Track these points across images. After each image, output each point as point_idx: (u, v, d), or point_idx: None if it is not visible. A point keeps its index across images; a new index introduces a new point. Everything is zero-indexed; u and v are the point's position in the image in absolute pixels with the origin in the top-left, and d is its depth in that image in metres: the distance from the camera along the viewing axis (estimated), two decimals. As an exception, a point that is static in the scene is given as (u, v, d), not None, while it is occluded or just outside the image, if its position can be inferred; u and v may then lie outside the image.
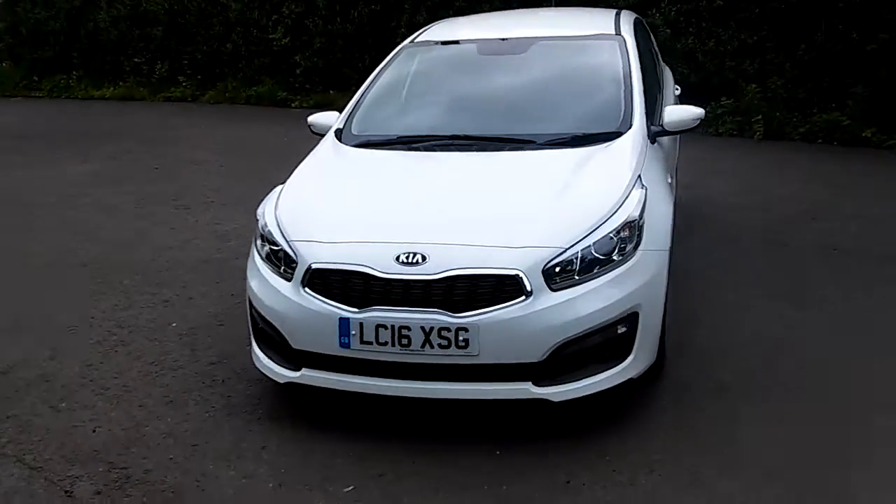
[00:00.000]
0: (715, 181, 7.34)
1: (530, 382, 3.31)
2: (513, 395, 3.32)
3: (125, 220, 7.09)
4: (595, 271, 3.36)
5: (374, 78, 4.87)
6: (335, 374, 3.46)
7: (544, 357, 3.27)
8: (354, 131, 4.45)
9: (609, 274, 3.37)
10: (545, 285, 3.26)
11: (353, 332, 3.32)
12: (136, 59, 16.90)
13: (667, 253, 3.59)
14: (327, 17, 12.53)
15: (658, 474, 3.19)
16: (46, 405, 4.00)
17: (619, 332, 3.41)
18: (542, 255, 3.29)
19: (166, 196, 7.75)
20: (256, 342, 3.75)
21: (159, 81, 16.09)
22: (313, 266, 3.44)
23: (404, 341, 3.27)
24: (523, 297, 3.24)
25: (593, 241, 3.38)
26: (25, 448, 3.62)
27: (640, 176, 3.72)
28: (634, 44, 4.65)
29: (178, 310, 5.05)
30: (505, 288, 3.24)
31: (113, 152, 10.35)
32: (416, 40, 5.13)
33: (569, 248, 3.32)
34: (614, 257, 3.41)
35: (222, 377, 4.15)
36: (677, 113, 4.28)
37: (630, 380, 3.47)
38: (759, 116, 8.91)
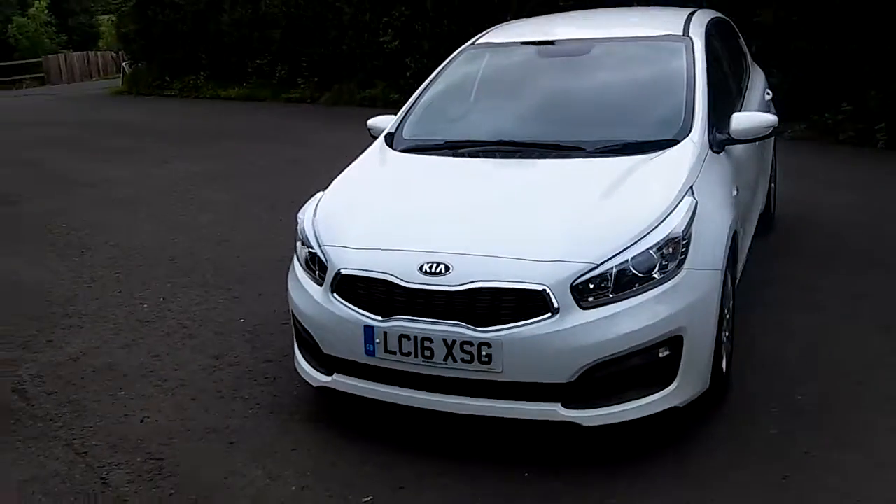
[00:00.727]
0: (827, 193, 6.92)
1: (559, 404, 3.15)
2: (540, 416, 3.17)
3: (220, 217, 7.34)
4: (633, 289, 3.16)
5: (431, 81, 4.78)
6: (363, 381, 3.41)
7: (574, 378, 3.10)
8: (405, 135, 4.37)
9: (648, 293, 3.16)
10: (574, 302, 3.09)
11: (378, 341, 3.26)
12: (258, 61, 17.44)
13: (719, 273, 3.35)
14: (434, 19, 12.57)
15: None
16: (106, 393, 4.11)
17: (661, 355, 3.19)
18: (571, 271, 3.11)
19: (263, 195, 7.98)
20: (297, 345, 3.74)
21: (280, 83, 16.55)
22: (342, 272, 3.39)
23: (427, 353, 3.17)
24: (549, 315, 3.08)
25: (630, 256, 3.18)
26: (76, 433, 3.73)
27: (692, 188, 3.47)
28: (704, 46, 4.38)
29: (248, 306, 5.13)
30: (530, 304, 3.09)
31: (225, 151, 10.73)
32: (476, 42, 5.00)
33: (601, 263, 3.13)
34: (655, 275, 3.19)
35: (273, 375, 4.16)
36: (746, 120, 4.00)
37: (674, 408, 3.22)
38: (883, 124, 8.32)
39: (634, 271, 3.18)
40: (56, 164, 10.76)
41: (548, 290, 3.08)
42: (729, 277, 3.66)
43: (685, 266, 3.25)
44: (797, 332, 4.35)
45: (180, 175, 9.42)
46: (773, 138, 5.77)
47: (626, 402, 3.18)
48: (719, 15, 5.64)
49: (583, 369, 3.09)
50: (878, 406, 3.58)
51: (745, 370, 3.90)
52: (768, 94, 5.69)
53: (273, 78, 16.84)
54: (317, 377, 3.56)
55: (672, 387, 3.22)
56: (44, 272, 6.07)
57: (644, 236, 3.22)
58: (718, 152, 3.97)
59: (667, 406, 3.22)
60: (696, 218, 3.38)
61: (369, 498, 3.15)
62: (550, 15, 6.25)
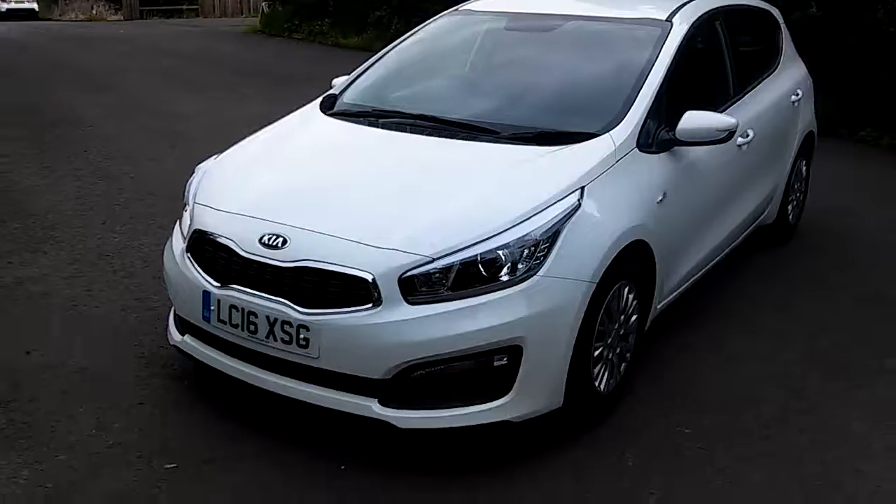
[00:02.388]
0: (873, 207, 6.24)
1: (376, 400, 2.93)
2: (354, 410, 2.96)
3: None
4: (473, 289, 2.89)
5: (397, 44, 4.55)
6: (205, 346, 3.29)
7: (390, 375, 2.87)
8: (345, 99, 4.18)
9: (489, 295, 2.89)
10: (401, 295, 2.85)
11: (213, 308, 3.14)
12: (377, 13, 17.49)
13: (586, 284, 3.01)
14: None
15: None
16: (23, 319, 4.16)
17: (496, 364, 2.91)
18: (402, 262, 2.87)
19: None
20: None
21: (395, 36, 16.45)
22: (196, 231, 3.27)
23: (252, 328, 3.03)
24: (370, 305, 2.86)
25: (475, 253, 2.90)
26: None
27: (582, 189, 3.13)
28: (684, 34, 3.96)
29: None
30: (354, 291, 2.87)
31: (307, 97, 10.74)
32: (459, 8, 4.71)
33: (438, 258, 2.87)
34: (502, 277, 2.90)
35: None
36: (696, 120, 3.59)
37: (507, 422, 2.96)
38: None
39: (480, 270, 2.89)
40: (142, 93, 11.11)
41: (372, 279, 2.85)
42: (627, 290, 3.33)
43: (540, 272, 2.94)
44: (731, 360, 3.92)
45: (250, 116, 9.49)
46: (807, 142, 5.30)
47: (450, 408, 2.94)
48: (749, 4, 5.11)
49: (400, 367, 2.86)
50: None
51: (644, 396, 3.55)
52: (796, 94, 5.14)
53: (388, 30, 16.83)
54: (173, 335, 3.49)
55: (506, 399, 2.95)
56: (54, 195, 6.23)
57: (495, 234, 2.94)
58: (657, 152, 3.59)
59: (497, 418, 2.96)
60: (575, 222, 3.06)
61: (174, 465, 3.04)
62: None
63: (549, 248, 2.98)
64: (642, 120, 3.54)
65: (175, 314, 3.51)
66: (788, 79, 5.20)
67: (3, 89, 11.22)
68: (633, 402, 3.53)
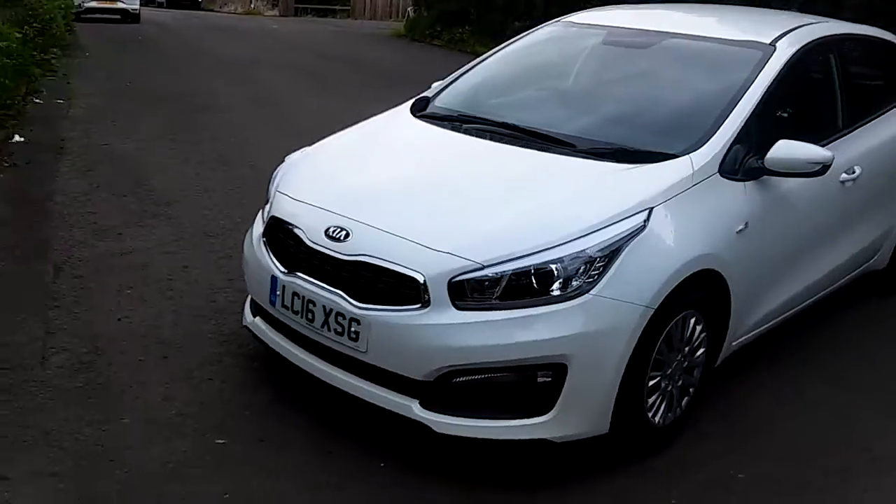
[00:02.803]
0: None
1: (417, 402, 2.96)
2: (395, 409, 3.00)
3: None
4: (522, 300, 2.88)
5: (496, 51, 4.57)
6: (272, 329, 3.40)
7: (432, 378, 2.89)
8: (437, 102, 4.22)
9: (538, 308, 2.87)
10: (449, 299, 2.87)
11: (278, 293, 3.25)
12: (516, 23, 17.56)
13: (643, 308, 2.94)
14: None
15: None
16: (115, 289, 4.41)
17: (540, 380, 2.89)
18: (453, 266, 2.89)
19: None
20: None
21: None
22: (273, 217, 3.39)
23: (310, 315, 3.12)
24: (419, 306, 2.89)
25: (527, 264, 2.89)
26: (60, 313, 4.07)
27: (651, 209, 3.07)
28: (787, 60, 3.80)
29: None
30: (404, 290, 2.91)
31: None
32: (561, 20, 4.69)
33: (489, 265, 2.88)
34: (554, 291, 2.88)
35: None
36: (787, 150, 3.45)
37: (546, 441, 2.93)
38: None
39: (532, 282, 2.88)
40: (279, 87, 11.59)
41: (423, 280, 2.88)
42: (694, 321, 3.25)
43: (594, 291, 2.90)
44: (806, 409, 3.76)
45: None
46: None
47: (489, 419, 2.94)
48: (873, 35, 4.87)
49: (442, 370, 2.88)
50: None
51: (706, 433, 3.46)
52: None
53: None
54: (247, 316, 3.62)
55: (547, 417, 2.92)
56: (176, 175, 6.60)
57: (550, 248, 2.91)
58: (743, 180, 3.47)
59: (536, 436, 2.94)
60: (638, 244, 3.00)
61: (224, 441, 3.16)
62: (660, 3, 5.63)
63: (606, 267, 2.92)
64: (728, 145, 3.43)
65: (251, 298, 3.64)
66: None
67: (154, 74, 11.93)
68: (694, 437, 3.41)
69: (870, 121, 4.52)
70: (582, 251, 2.91)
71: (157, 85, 11.10)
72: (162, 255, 4.94)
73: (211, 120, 8.84)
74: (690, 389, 3.39)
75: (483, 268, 2.88)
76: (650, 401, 3.16)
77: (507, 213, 3.14)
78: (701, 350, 3.38)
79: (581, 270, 2.91)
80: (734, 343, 3.66)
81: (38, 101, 9.25)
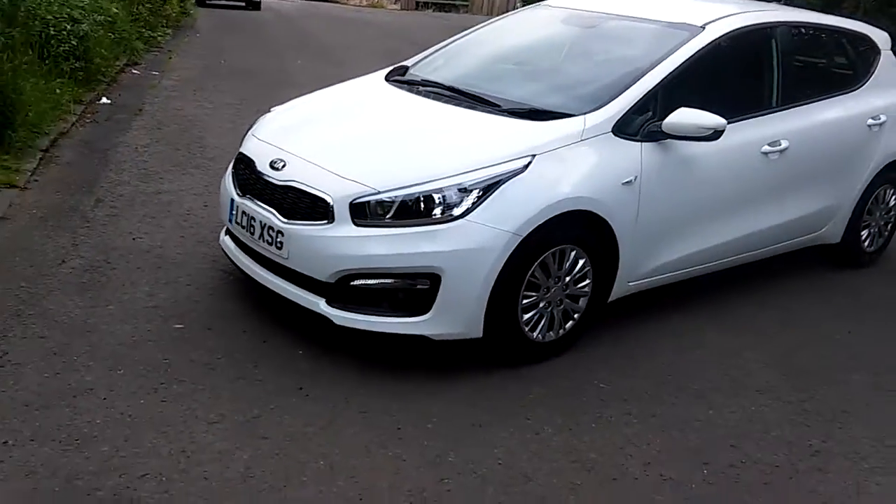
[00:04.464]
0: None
1: (324, 300, 3.65)
2: (308, 305, 3.69)
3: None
4: (408, 220, 3.53)
5: (475, 29, 5.20)
6: (233, 245, 4.16)
7: (334, 280, 3.58)
8: (411, 71, 4.88)
9: (419, 227, 3.51)
10: (350, 217, 3.55)
11: (233, 212, 4.00)
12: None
13: (512, 236, 3.51)
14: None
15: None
16: (137, 212, 5.28)
17: (420, 287, 3.53)
18: (355, 191, 3.56)
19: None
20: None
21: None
22: (239, 152, 4.16)
23: (251, 229, 3.86)
24: (326, 221, 3.58)
25: (415, 192, 3.52)
26: (86, 231, 4.95)
27: (533, 156, 3.66)
28: (711, 41, 4.28)
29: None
30: (318, 208, 3.61)
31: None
32: (542, 3, 5.29)
33: (385, 191, 3.54)
34: (435, 214, 3.52)
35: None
36: (683, 116, 3.94)
37: (424, 337, 3.58)
38: None
39: (419, 207, 3.53)
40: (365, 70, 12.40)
41: (330, 201, 3.58)
42: (574, 254, 3.82)
43: (469, 217, 3.51)
44: (697, 348, 4.28)
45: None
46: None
47: (378, 315, 3.59)
48: (836, 25, 5.24)
49: (340, 274, 3.56)
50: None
51: (588, 354, 4.02)
52: (876, 119, 5.19)
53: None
54: (221, 236, 4.39)
55: (425, 317, 3.55)
56: (229, 137, 7.34)
57: (435, 180, 3.55)
58: (641, 140, 3.98)
59: (416, 332, 3.58)
60: (516, 182, 3.60)
61: (181, 326, 3.94)
62: None
63: (482, 199, 3.53)
64: (625, 109, 3.95)
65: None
66: (870, 103, 5.23)
67: (251, 54, 13.00)
68: (573, 355, 3.97)
69: (811, 102, 4.89)
70: (461, 184, 3.53)
71: (249, 63, 12.14)
72: (190, 196, 5.78)
73: (282, 93, 9.56)
74: (575, 315, 3.94)
75: (378, 193, 3.54)
76: (526, 317, 3.73)
77: (411, 152, 3.80)
78: (586, 282, 3.92)
79: (458, 200, 3.52)
80: (631, 283, 4.17)
81: (135, 71, 10.40)
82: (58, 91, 7.48)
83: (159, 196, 5.73)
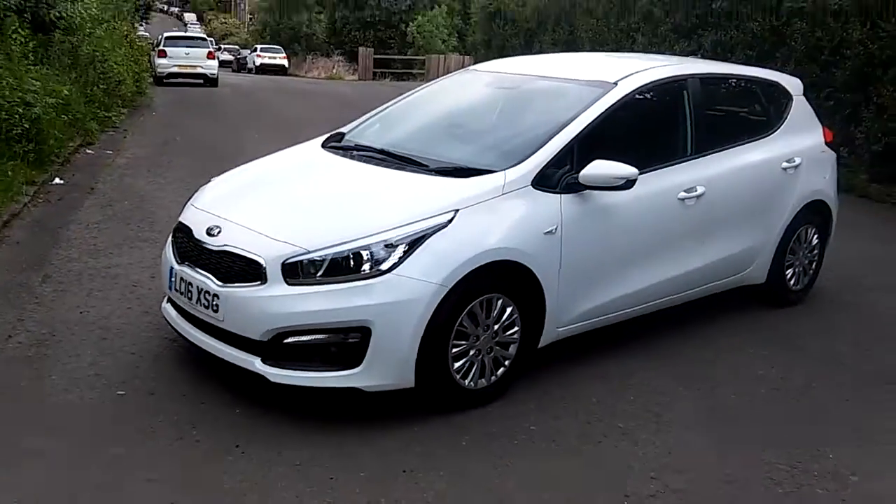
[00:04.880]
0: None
1: (259, 358, 3.79)
2: (243, 364, 3.83)
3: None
4: (338, 277, 3.70)
5: (408, 95, 5.47)
6: (174, 311, 4.30)
7: (267, 339, 3.73)
8: (347, 137, 5.12)
9: (349, 283, 3.68)
10: (281, 277, 3.71)
11: (173, 279, 4.16)
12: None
13: (436, 286, 3.69)
14: None
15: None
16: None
17: (351, 340, 3.69)
18: (286, 251, 3.74)
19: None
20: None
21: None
22: (178, 221, 4.33)
23: (189, 295, 4.01)
24: (259, 282, 3.75)
25: (344, 249, 3.71)
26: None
27: (456, 211, 3.86)
28: (623, 96, 4.55)
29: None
30: (252, 271, 3.78)
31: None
32: (469, 68, 5.58)
33: (315, 251, 3.72)
34: (364, 269, 3.69)
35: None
36: (597, 168, 4.18)
37: (358, 389, 3.73)
38: None
39: (349, 263, 3.71)
40: (306, 137, 12.68)
41: (263, 263, 3.75)
42: (501, 302, 4.01)
43: (396, 271, 3.70)
44: (625, 389, 4.45)
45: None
46: (812, 210, 5.71)
47: (312, 371, 3.74)
48: (748, 74, 5.58)
49: (273, 332, 3.71)
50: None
51: (520, 399, 4.18)
52: (790, 162, 5.49)
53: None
54: (163, 304, 4.53)
55: (357, 370, 3.70)
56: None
57: (363, 237, 3.74)
58: (560, 192, 4.21)
59: (349, 384, 3.73)
60: (442, 236, 3.80)
61: (123, 393, 4.06)
62: (544, 55, 6.45)
63: (409, 253, 3.72)
64: (543, 163, 4.19)
65: (168, 290, 4.56)
66: (784, 147, 5.52)
67: (205, 130, 13.26)
68: (506, 401, 4.12)
69: (726, 149, 5.18)
70: (387, 240, 3.73)
71: (204, 138, 12.40)
72: (138, 269, 5.92)
73: (235, 166, 9.92)
74: (506, 362, 4.11)
75: (309, 252, 3.73)
76: (457, 365, 3.90)
77: (341, 212, 4.01)
78: (514, 329, 4.10)
79: (385, 256, 3.70)
80: (560, 329, 4.36)
81: (89, 151, 10.57)
82: (10, 174, 7.61)
83: (108, 270, 5.86)
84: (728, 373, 4.69)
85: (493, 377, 4.07)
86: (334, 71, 39.68)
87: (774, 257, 5.56)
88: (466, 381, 3.96)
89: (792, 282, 5.79)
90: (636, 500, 3.41)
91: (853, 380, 4.71)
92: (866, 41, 10.28)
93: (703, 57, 12.76)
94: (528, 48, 19.89)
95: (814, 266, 5.96)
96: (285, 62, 40.50)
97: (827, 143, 5.92)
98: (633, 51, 14.88)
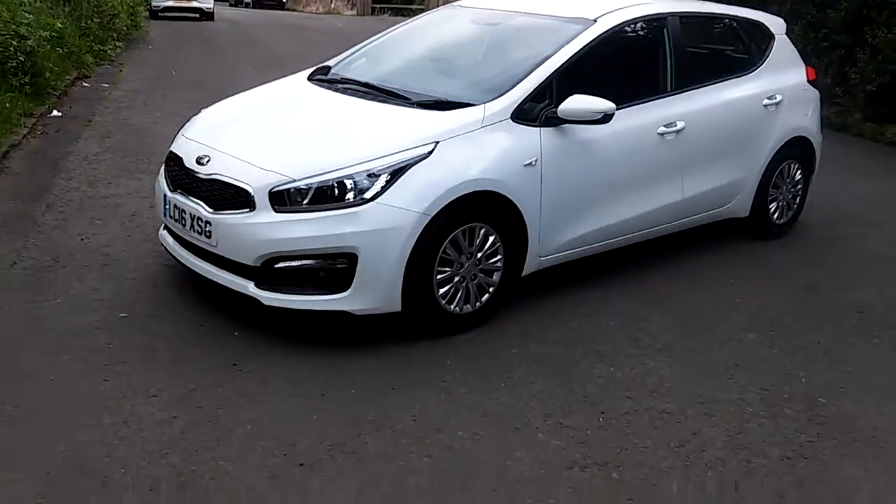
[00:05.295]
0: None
1: (252, 283, 3.97)
2: (237, 288, 4.00)
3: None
4: (324, 205, 3.85)
5: (394, 29, 5.55)
6: (170, 237, 4.47)
7: (259, 263, 3.89)
8: (333, 69, 5.22)
9: (335, 211, 3.83)
10: (269, 204, 3.87)
11: (167, 206, 4.31)
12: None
13: (420, 216, 3.84)
14: None
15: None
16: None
17: (339, 266, 3.87)
18: (273, 180, 3.88)
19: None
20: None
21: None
22: (170, 151, 4.47)
23: (183, 221, 4.17)
24: (248, 210, 3.90)
25: (328, 178, 3.85)
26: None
27: (437, 143, 4.00)
28: (603, 32, 4.64)
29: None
30: (241, 198, 3.93)
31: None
32: (453, 4, 5.65)
33: (300, 179, 3.86)
34: (348, 198, 3.85)
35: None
36: (576, 102, 4.30)
37: (346, 313, 3.91)
38: None
39: (333, 192, 3.86)
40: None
41: (251, 191, 3.90)
42: (484, 231, 4.17)
43: (379, 200, 3.85)
44: (603, 315, 4.64)
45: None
46: (795, 146, 5.83)
47: (303, 294, 3.91)
48: (727, 13, 5.66)
49: (264, 257, 3.88)
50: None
51: (504, 326, 4.37)
52: (772, 98, 5.60)
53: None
54: (159, 231, 4.70)
55: (345, 294, 3.88)
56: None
57: (346, 167, 3.88)
58: (539, 126, 4.34)
59: (338, 308, 3.90)
60: (423, 166, 3.94)
61: (125, 315, 4.25)
62: None
63: (391, 183, 3.87)
64: (523, 97, 4.31)
65: (165, 217, 4.72)
66: (765, 84, 5.63)
67: (201, 64, 13.27)
68: (490, 326, 4.31)
69: (706, 85, 5.30)
70: (370, 170, 3.87)
71: (199, 73, 12.42)
72: (137, 199, 6.07)
73: (228, 100, 10.01)
74: (490, 289, 4.29)
75: (295, 181, 3.87)
76: (442, 291, 4.07)
77: (325, 143, 4.14)
78: (497, 258, 4.27)
79: (368, 185, 3.86)
80: (542, 258, 4.53)
81: (86, 84, 10.64)
82: (7, 105, 7.71)
83: (107, 200, 6.02)
84: (707, 301, 4.87)
85: (477, 303, 4.25)
86: (332, 6, 39.22)
87: (757, 191, 5.71)
88: (452, 307, 4.14)
89: (776, 215, 5.96)
90: (611, 416, 3.61)
91: (827, 308, 4.90)
92: (862, -18, 10.28)
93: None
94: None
95: (798, 201, 6.12)
96: (282, -4, 39.99)
97: (810, 81, 6.01)
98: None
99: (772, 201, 5.88)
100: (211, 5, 24.32)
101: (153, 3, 22.99)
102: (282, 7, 39.17)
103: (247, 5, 40.15)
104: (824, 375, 4.08)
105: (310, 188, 3.85)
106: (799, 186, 6.09)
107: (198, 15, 24.13)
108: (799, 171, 6.03)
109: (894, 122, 10.16)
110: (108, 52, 12.76)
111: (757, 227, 5.88)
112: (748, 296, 4.99)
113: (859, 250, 5.94)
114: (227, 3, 41.41)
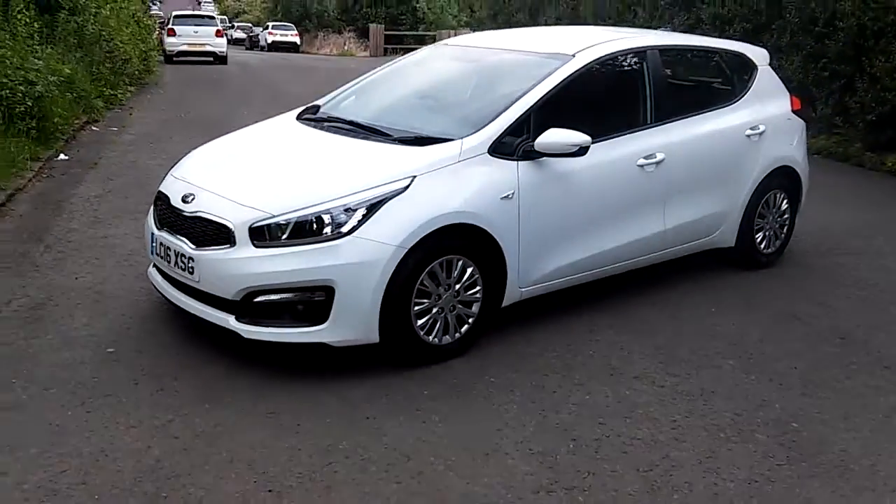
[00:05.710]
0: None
1: (233, 316, 4.08)
2: (219, 322, 4.11)
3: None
4: (302, 240, 3.96)
5: (382, 68, 5.71)
6: (157, 274, 4.59)
7: (239, 298, 4.00)
8: (322, 110, 5.37)
9: (312, 245, 3.94)
10: (249, 240, 3.99)
11: (154, 244, 4.44)
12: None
13: (396, 248, 3.93)
14: None
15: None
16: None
17: (317, 298, 3.97)
18: (253, 216, 4.00)
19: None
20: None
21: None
22: (159, 190, 4.61)
23: (168, 258, 4.29)
24: (229, 245, 4.02)
25: (306, 213, 3.97)
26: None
27: (414, 177, 4.11)
28: (580, 67, 4.75)
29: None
30: (222, 234, 4.05)
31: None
32: (441, 43, 5.82)
33: (279, 215, 3.98)
34: (326, 232, 3.96)
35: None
36: (552, 136, 4.41)
37: (325, 344, 4.00)
38: None
39: (311, 226, 3.98)
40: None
41: (232, 227, 4.03)
42: (461, 263, 4.25)
43: (356, 234, 3.96)
44: (592, 343, 4.70)
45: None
46: (780, 176, 5.89)
47: (282, 327, 4.02)
48: (710, 45, 5.77)
49: (244, 291, 3.99)
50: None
51: (477, 355, 4.44)
52: (754, 129, 5.69)
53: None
54: (149, 269, 4.83)
55: (323, 326, 3.97)
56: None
57: (324, 202, 4.00)
58: (516, 160, 4.44)
59: (317, 339, 3.99)
60: (400, 200, 4.05)
61: (112, 350, 4.36)
62: (512, 29, 6.71)
63: (368, 217, 3.98)
64: (500, 132, 4.42)
65: (155, 255, 4.84)
66: (748, 115, 5.72)
67: (210, 106, 13.52)
68: (470, 356, 4.38)
69: (687, 117, 5.39)
70: (346, 205, 3.98)
71: (209, 115, 12.66)
72: (134, 238, 6.21)
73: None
74: (470, 320, 4.37)
75: (274, 216, 3.99)
76: (420, 322, 4.16)
77: (305, 179, 4.26)
78: (476, 289, 4.35)
79: (345, 219, 3.97)
80: (523, 289, 4.61)
81: (95, 128, 10.90)
82: (13, 149, 7.92)
83: (105, 240, 6.17)
84: (688, 329, 4.92)
85: (457, 334, 4.33)
86: (346, 47, 39.80)
87: (742, 221, 5.77)
88: (430, 338, 4.22)
89: (763, 245, 6.00)
90: (581, 441, 3.66)
91: (807, 336, 4.93)
92: (858, 12, 10.38)
93: (702, 29, 12.95)
94: (532, 21, 20.01)
95: (785, 230, 6.16)
96: (297, 39, 40.63)
97: (794, 111, 6.08)
98: (633, 24, 14.99)
99: (758, 231, 5.94)
100: (224, 49, 24.83)
101: (167, 48, 23.49)
102: (297, 50, 39.77)
103: (262, 48, 40.84)
104: (799, 401, 4.11)
105: (289, 223, 3.97)
106: (786, 216, 6.14)
107: (211, 59, 24.61)
108: (785, 201, 6.09)
109: (895, 151, 10.19)
110: (119, 96, 13.06)
111: (744, 257, 5.93)
112: (730, 324, 5.03)
113: (846, 278, 5.98)
114: (244, 47, 42.19)
